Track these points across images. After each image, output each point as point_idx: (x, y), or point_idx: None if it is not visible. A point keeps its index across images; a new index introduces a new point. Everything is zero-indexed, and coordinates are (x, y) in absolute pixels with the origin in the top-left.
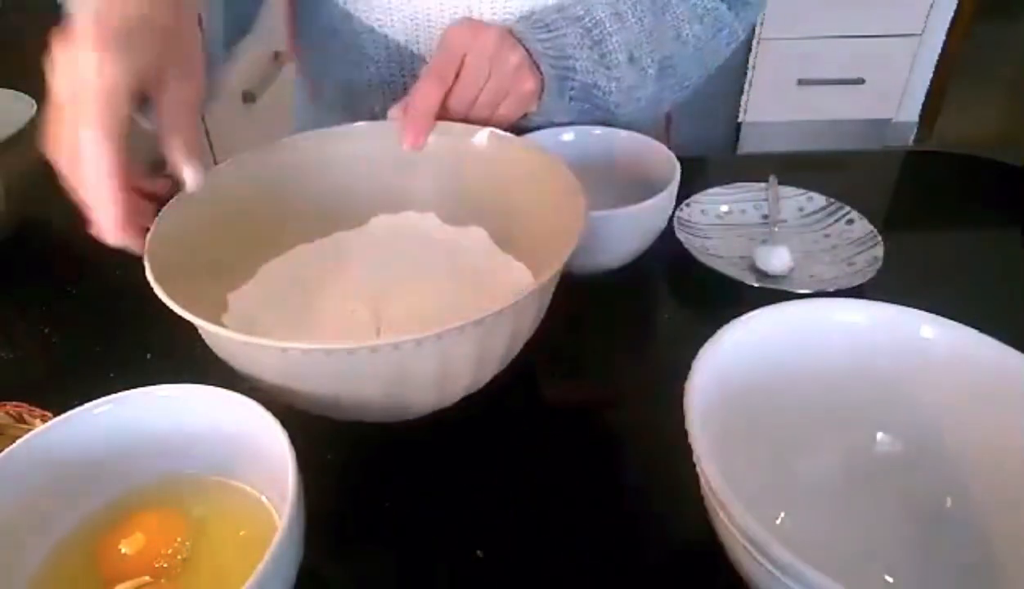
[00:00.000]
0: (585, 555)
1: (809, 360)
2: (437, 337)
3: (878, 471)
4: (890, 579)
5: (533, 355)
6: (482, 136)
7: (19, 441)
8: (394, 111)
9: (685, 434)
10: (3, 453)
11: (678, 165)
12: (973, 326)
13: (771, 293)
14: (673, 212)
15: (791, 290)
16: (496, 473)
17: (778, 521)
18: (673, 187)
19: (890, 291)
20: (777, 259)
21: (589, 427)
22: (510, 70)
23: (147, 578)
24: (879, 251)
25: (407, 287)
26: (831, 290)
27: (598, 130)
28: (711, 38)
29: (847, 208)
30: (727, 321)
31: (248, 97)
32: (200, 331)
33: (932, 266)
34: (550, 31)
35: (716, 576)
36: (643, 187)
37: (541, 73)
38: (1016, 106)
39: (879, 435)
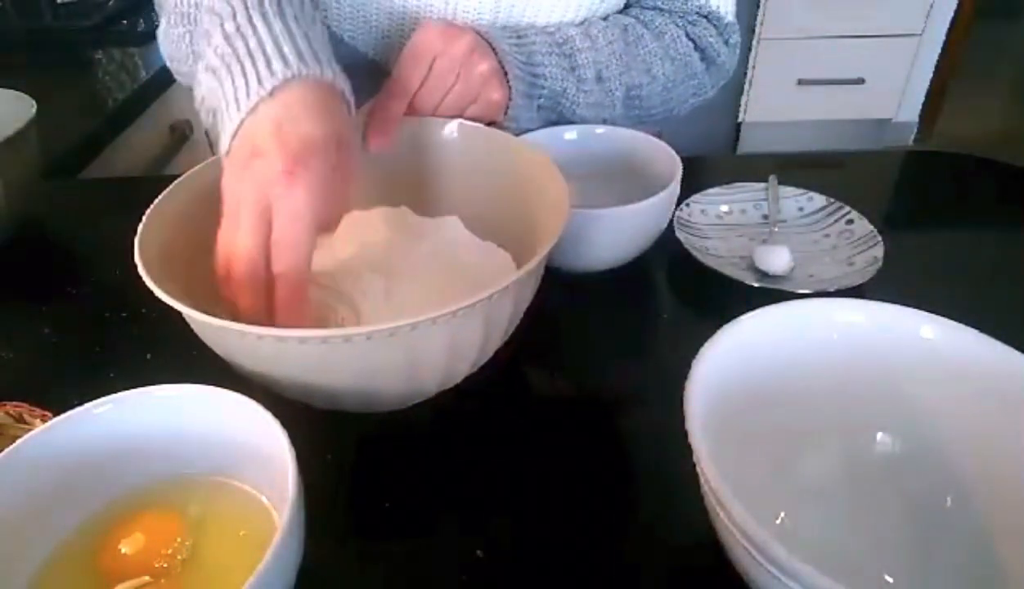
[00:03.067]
0: (585, 555)
1: (809, 360)
2: (411, 327)
3: (878, 471)
4: (890, 579)
5: (532, 355)
6: (451, 127)
7: (19, 441)
8: (363, 111)
9: (685, 434)
10: (3, 453)
11: (680, 164)
12: (973, 326)
13: (771, 293)
14: (674, 212)
15: (791, 290)
16: (496, 473)
17: (778, 521)
18: (674, 186)
19: (890, 291)
20: (777, 259)
21: (589, 427)
22: (478, 78)
23: (147, 578)
24: (879, 251)
25: (386, 281)
26: (831, 290)
27: (600, 129)
28: (680, 82)
29: (847, 208)
30: (727, 321)
31: None
32: (186, 318)
33: (932, 266)
34: (519, 37)
35: (716, 576)
36: (645, 186)
37: (510, 85)
38: (1016, 106)
39: (879, 435)
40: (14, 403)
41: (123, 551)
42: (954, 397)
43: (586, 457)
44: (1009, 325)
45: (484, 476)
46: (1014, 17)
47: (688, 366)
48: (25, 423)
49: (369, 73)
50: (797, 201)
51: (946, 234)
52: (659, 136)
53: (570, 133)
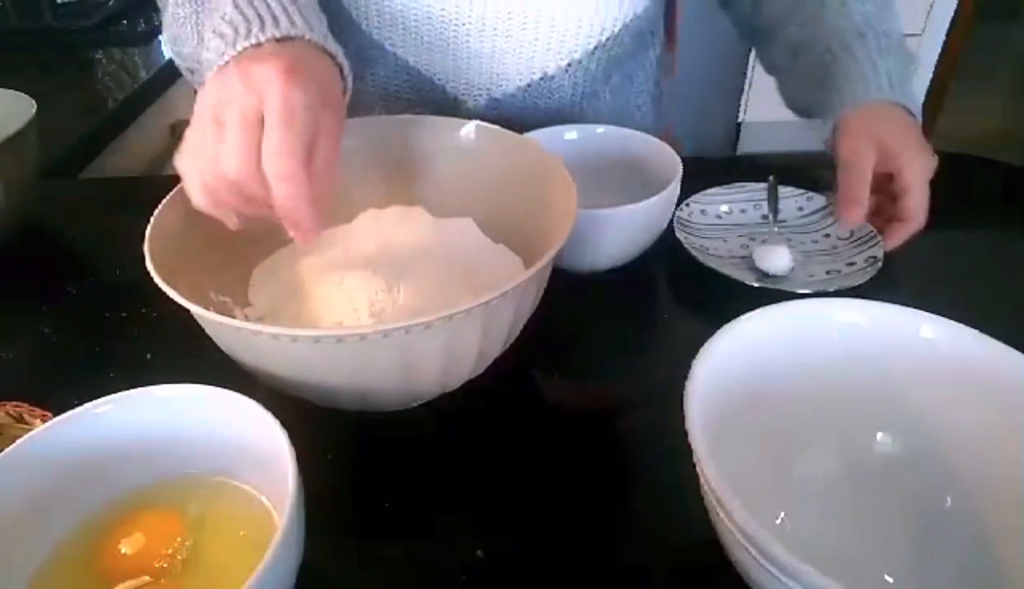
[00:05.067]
0: (585, 555)
1: (809, 360)
2: (404, 331)
3: (878, 471)
4: (890, 579)
5: (533, 354)
6: (468, 129)
7: (19, 441)
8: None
9: (685, 434)
10: (3, 453)
11: (680, 164)
12: (973, 326)
13: (771, 293)
14: (674, 212)
15: (791, 290)
16: (496, 473)
17: (778, 521)
18: (674, 186)
19: (890, 291)
20: (777, 259)
21: (589, 427)
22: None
23: (147, 578)
24: (879, 251)
25: (398, 281)
26: (831, 290)
27: (600, 129)
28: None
29: None
30: (727, 321)
31: None
32: (194, 315)
33: (932, 266)
34: (864, 75)
35: (716, 576)
36: (645, 186)
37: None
38: (1016, 106)
39: (879, 435)
40: (14, 403)
41: (123, 551)
42: (954, 397)
43: (586, 456)
44: (1009, 325)
45: (484, 476)
46: (1014, 17)
47: (688, 366)
48: (25, 423)
49: (409, 78)
50: (797, 201)
51: (946, 234)
52: (670, 134)
53: (570, 133)
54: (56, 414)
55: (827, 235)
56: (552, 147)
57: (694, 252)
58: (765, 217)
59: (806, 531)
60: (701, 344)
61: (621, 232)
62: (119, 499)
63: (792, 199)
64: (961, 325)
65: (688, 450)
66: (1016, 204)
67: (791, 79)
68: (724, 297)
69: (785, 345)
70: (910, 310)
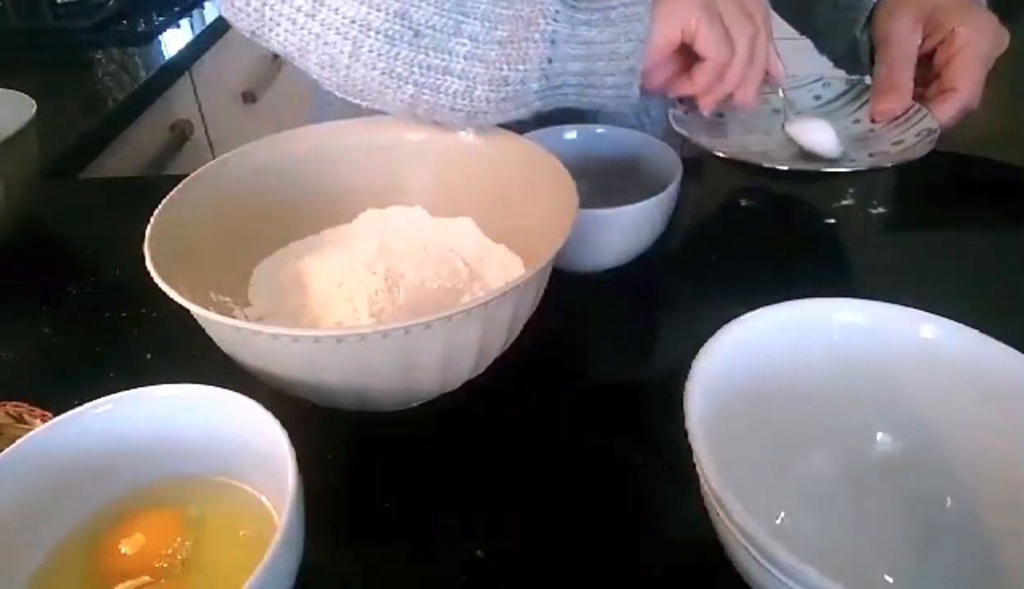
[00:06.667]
0: (585, 555)
1: (809, 360)
2: (404, 331)
3: (878, 471)
4: (890, 579)
5: (533, 354)
6: (468, 129)
7: (19, 441)
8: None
9: (685, 434)
10: (3, 453)
11: (680, 164)
12: (973, 326)
13: (812, 176)
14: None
15: (834, 170)
16: (496, 473)
17: (778, 521)
18: (675, 186)
19: (890, 291)
20: (820, 135)
21: (588, 427)
22: None
23: (147, 578)
24: (932, 122)
25: (398, 281)
26: (888, 165)
27: (600, 129)
28: None
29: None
30: (727, 321)
31: (248, 97)
32: (194, 315)
33: (932, 266)
34: None
35: (716, 576)
36: (645, 186)
37: None
38: (1016, 106)
39: (879, 435)
40: (14, 403)
41: (123, 551)
42: (954, 397)
43: (585, 457)
44: (1009, 325)
45: (484, 476)
46: (1014, 17)
47: (688, 366)
48: (25, 423)
49: None
50: (812, 90)
51: (946, 234)
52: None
53: (570, 133)
54: (56, 414)
55: (857, 121)
56: (552, 147)
57: (705, 145)
58: (776, 111)
59: (806, 531)
60: (701, 344)
61: (621, 232)
62: (119, 499)
63: (805, 89)
64: (961, 325)
65: (688, 450)
66: (1016, 204)
67: (835, 30)
68: (723, 293)
69: (785, 345)
70: (910, 310)
